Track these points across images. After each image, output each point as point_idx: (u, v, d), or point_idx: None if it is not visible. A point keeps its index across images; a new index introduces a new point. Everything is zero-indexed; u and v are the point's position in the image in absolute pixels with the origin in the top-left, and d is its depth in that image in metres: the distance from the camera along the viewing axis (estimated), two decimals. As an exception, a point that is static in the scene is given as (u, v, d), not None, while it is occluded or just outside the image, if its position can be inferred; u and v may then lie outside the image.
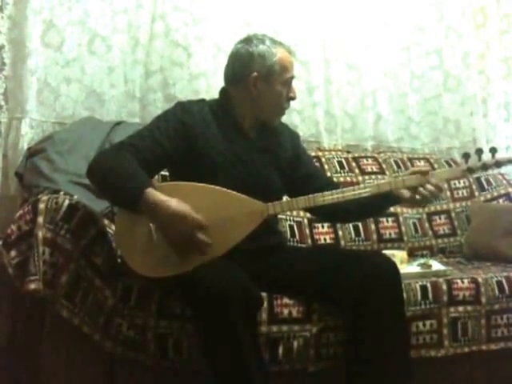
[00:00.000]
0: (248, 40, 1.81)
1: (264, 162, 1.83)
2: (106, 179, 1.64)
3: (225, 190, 1.66)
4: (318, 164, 2.57)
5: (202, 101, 1.88)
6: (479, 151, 1.77)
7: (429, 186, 1.72)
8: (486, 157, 1.77)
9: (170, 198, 1.58)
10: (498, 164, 1.76)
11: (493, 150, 1.76)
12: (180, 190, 1.65)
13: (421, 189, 1.72)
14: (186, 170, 1.76)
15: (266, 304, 1.69)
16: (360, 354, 1.64)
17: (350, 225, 2.48)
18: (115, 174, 1.62)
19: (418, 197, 1.73)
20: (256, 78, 1.78)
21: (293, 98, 1.84)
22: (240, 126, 1.82)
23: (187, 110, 1.78)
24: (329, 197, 1.70)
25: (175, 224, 1.56)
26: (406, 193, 1.74)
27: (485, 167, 1.76)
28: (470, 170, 1.76)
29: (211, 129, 1.78)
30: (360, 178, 2.62)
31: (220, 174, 1.73)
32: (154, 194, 1.58)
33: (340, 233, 2.48)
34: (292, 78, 1.82)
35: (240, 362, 1.50)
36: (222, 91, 1.87)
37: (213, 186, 1.66)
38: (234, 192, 1.66)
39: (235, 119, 1.82)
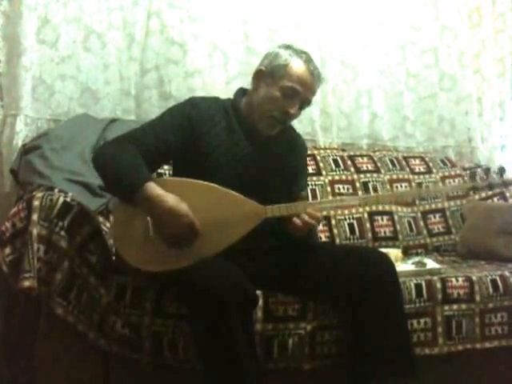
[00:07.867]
0: (287, 46, 1.81)
1: (267, 167, 1.80)
2: (109, 168, 1.65)
3: (225, 189, 1.66)
4: (313, 162, 2.59)
5: (216, 98, 1.85)
6: (486, 170, 1.72)
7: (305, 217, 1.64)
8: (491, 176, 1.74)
9: (169, 193, 1.57)
10: (505, 184, 1.73)
11: (501, 170, 1.73)
12: (180, 186, 1.64)
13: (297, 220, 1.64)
14: (187, 166, 1.76)
15: (261, 302, 1.69)
16: (362, 353, 1.63)
17: (345, 223, 2.49)
18: (118, 165, 1.62)
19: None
20: (260, 72, 1.78)
21: (288, 113, 1.73)
22: (251, 129, 1.78)
23: (195, 106, 1.77)
24: (327, 204, 1.72)
25: (169, 221, 1.56)
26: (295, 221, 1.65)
27: (490, 187, 1.71)
28: (475, 189, 1.74)
29: (218, 128, 1.76)
30: (355, 177, 2.62)
31: (219, 174, 1.72)
32: (153, 189, 1.57)
33: (335, 231, 2.48)
34: (293, 90, 1.72)
35: (235, 361, 1.50)
36: (238, 92, 1.86)
37: (213, 185, 1.66)
38: (235, 193, 1.66)
39: (247, 121, 1.79)
